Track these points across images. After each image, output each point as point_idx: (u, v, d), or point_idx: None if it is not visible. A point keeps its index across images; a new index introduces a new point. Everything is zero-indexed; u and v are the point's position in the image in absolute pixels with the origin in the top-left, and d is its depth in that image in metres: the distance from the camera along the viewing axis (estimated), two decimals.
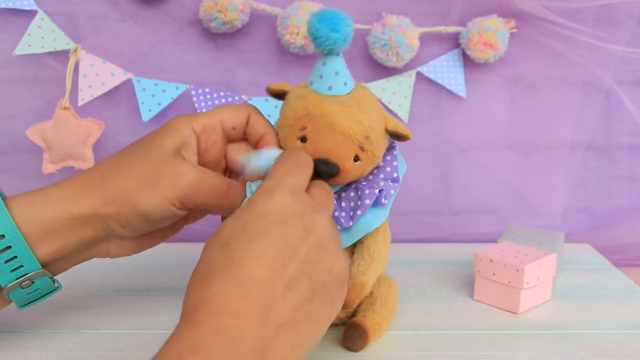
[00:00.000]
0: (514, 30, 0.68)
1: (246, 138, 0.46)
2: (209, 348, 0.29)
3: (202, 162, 0.45)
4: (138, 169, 0.41)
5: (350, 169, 0.42)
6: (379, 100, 0.67)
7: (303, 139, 0.41)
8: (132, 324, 0.50)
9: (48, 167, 0.66)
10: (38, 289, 0.41)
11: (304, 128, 0.41)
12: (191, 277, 0.33)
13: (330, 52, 0.41)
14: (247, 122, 0.45)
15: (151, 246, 0.46)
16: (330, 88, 0.41)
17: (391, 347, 0.46)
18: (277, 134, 0.45)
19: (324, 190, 0.39)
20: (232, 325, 0.30)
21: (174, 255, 0.66)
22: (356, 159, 0.42)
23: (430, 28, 0.67)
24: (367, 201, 0.42)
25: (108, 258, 0.45)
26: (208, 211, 0.47)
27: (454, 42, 0.69)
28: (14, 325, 0.48)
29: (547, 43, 0.68)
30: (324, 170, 0.41)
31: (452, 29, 0.68)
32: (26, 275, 0.40)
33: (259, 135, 0.45)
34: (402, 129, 0.43)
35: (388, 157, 0.46)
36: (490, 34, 0.65)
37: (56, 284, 0.43)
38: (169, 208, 0.41)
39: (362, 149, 0.41)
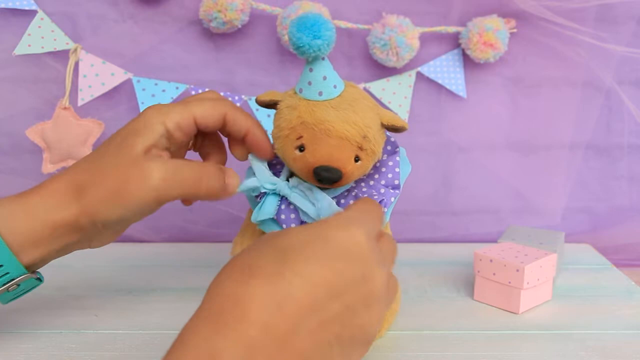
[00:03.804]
0: (514, 30, 0.68)
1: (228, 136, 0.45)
2: (226, 358, 0.28)
3: (179, 157, 0.45)
4: (108, 175, 0.40)
5: (353, 170, 0.42)
6: (376, 99, 0.68)
7: (301, 148, 0.41)
8: (132, 324, 0.50)
9: (48, 167, 0.66)
10: (23, 289, 0.42)
11: (300, 137, 0.41)
12: (230, 263, 0.32)
13: (315, 59, 0.40)
14: (225, 122, 0.44)
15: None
16: (320, 93, 0.41)
17: (391, 347, 0.46)
18: (260, 127, 0.44)
19: (392, 246, 0.38)
20: (254, 336, 0.28)
21: (174, 255, 0.66)
22: (357, 159, 0.42)
23: (430, 28, 0.67)
24: None
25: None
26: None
27: (454, 42, 0.69)
28: (14, 325, 0.48)
29: (547, 43, 0.68)
30: (326, 177, 0.40)
31: (452, 29, 0.68)
32: (13, 281, 0.40)
33: (242, 134, 0.44)
34: (398, 122, 0.43)
35: (390, 163, 0.45)
36: (490, 33, 0.65)
37: (39, 278, 0.43)
38: (142, 209, 0.40)
39: (361, 148, 0.41)
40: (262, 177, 0.44)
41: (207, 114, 0.43)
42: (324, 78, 0.41)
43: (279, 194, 0.44)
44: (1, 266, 0.39)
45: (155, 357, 0.44)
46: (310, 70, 0.41)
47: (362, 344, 0.34)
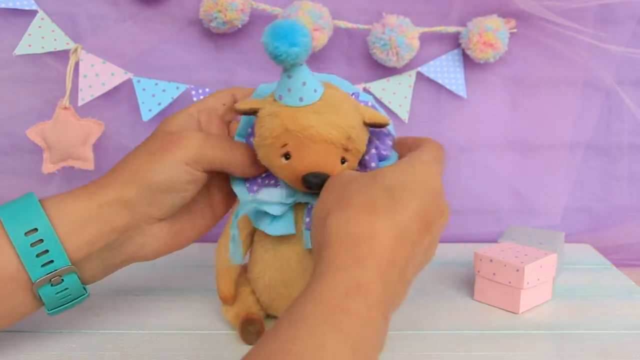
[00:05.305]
0: (514, 30, 0.68)
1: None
2: (372, 292, 0.32)
3: None
4: (146, 146, 0.44)
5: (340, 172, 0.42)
6: (376, 99, 0.68)
7: (287, 156, 0.41)
8: (132, 324, 0.50)
9: (48, 167, 0.66)
10: (67, 288, 0.42)
11: (284, 145, 0.41)
12: (343, 201, 0.37)
13: (293, 66, 0.40)
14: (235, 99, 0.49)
15: (186, 241, 0.49)
16: (301, 99, 0.40)
17: (391, 347, 0.46)
18: None
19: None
20: (384, 267, 0.33)
21: (174, 255, 0.66)
22: (343, 161, 0.42)
23: (430, 28, 0.67)
24: None
25: None
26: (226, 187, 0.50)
27: (454, 42, 0.69)
28: (14, 325, 0.48)
29: (547, 43, 0.68)
30: (315, 183, 0.41)
31: (452, 29, 0.68)
32: (56, 271, 0.40)
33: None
34: (380, 119, 0.43)
35: (373, 150, 0.46)
36: (490, 34, 0.65)
37: (85, 290, 0.44)
38: (185, 168, 0.43)
39: (346, 150, 0.41)
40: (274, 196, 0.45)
41: (218, 94, 0.49)
42: (304, 84, 0.40)
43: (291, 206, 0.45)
44: (47, 252, 0.40)
45: (156, 357, 0.44)
46: (289, 77, 0.40)
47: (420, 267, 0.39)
